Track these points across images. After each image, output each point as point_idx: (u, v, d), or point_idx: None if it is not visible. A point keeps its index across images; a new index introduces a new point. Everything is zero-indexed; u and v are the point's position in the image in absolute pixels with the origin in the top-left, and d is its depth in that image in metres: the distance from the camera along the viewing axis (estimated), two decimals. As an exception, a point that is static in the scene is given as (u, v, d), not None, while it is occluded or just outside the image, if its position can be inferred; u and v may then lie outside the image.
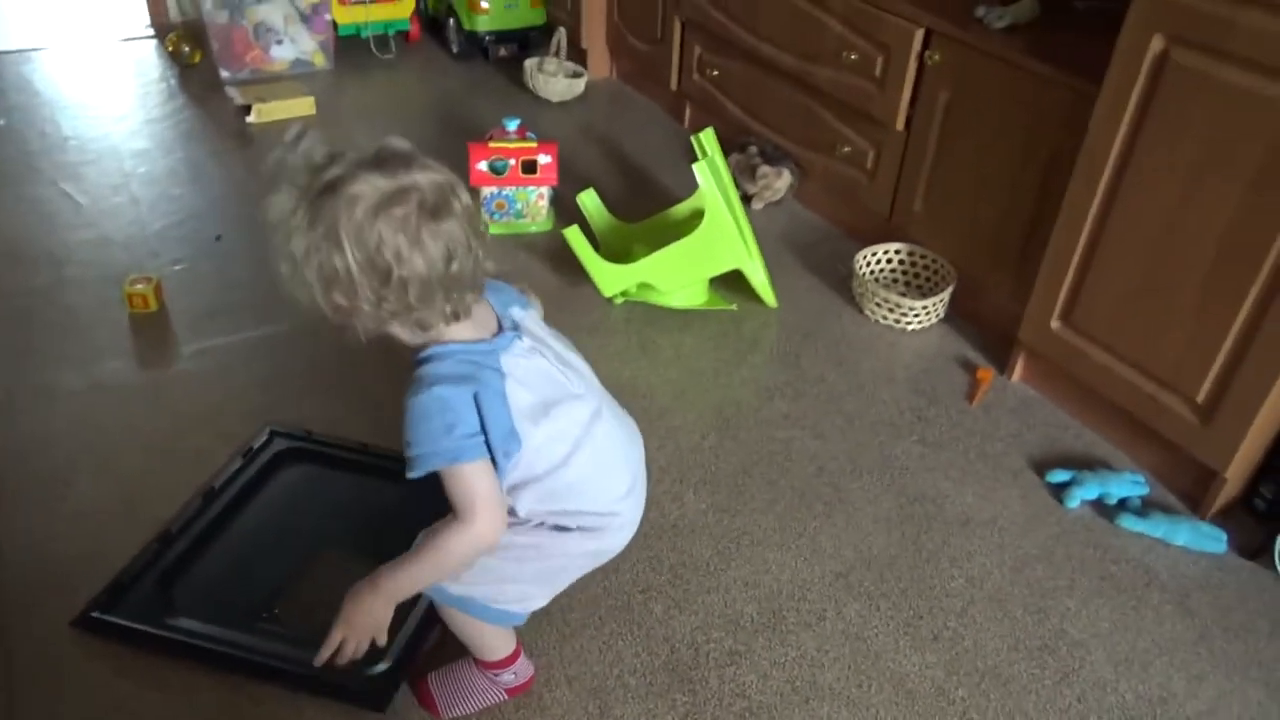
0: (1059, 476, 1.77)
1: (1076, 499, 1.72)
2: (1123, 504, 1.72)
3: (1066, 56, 1.86)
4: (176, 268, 2.29)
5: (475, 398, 1.05)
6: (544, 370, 1.13)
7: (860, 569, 1.60)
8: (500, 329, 1.12)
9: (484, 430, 1.05)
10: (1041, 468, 1.81)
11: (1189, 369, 1.65)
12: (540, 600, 1.27)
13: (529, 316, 1.18)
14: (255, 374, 1.96)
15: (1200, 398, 1.65)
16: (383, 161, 0.99)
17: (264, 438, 1.79)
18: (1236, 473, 1.67)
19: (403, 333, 1.08)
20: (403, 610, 1.18)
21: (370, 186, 0.96)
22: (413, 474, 1.06)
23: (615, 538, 1.25)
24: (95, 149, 2.81)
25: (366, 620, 1.11)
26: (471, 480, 1.05)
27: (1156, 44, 1.58)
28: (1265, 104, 1.45)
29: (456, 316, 1.06)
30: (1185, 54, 1.54)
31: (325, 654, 1.12)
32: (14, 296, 2.16)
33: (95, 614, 1.44)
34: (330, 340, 2.04)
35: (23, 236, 2.38)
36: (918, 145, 2.21)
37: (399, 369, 1.95)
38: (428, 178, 0.99)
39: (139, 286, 2.10)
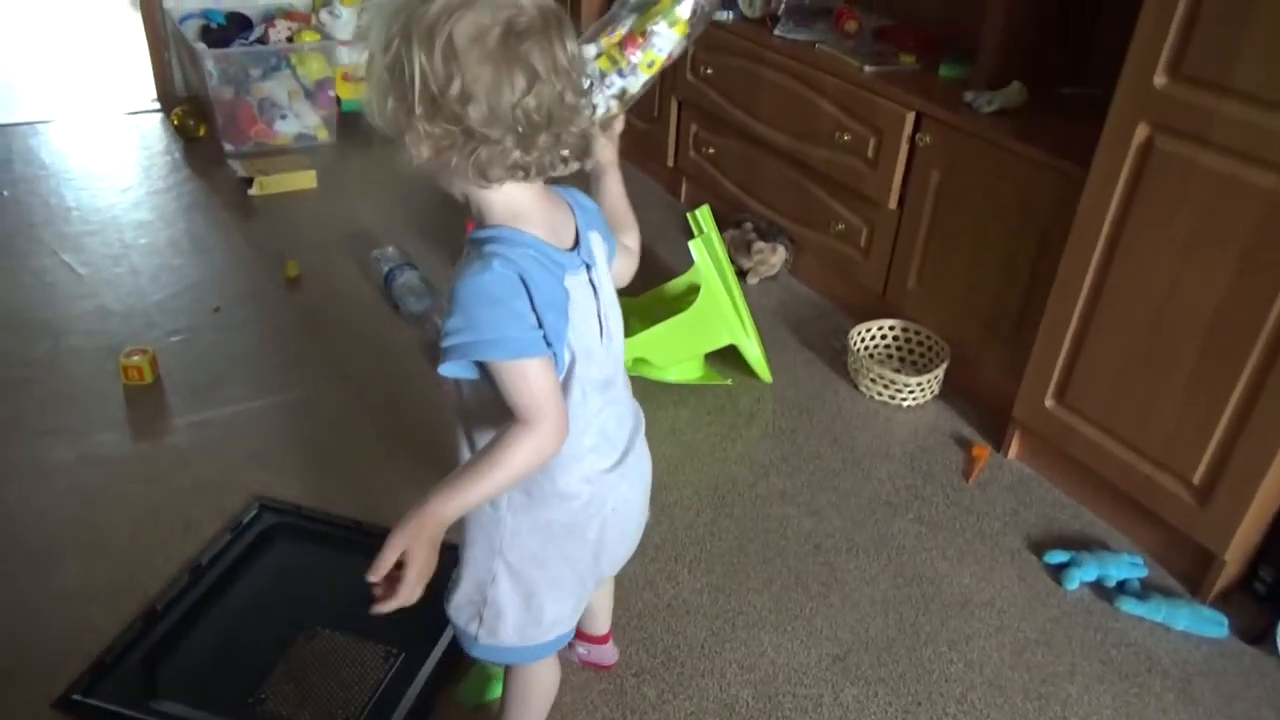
0: (1057, 557, 1.75)
1: (1075, 580, 1.70)
2: (1122, 586, 1.71)
3: (1054, 140, 1.90)
4: (174, 339, 2.29)
5: (547, 284, 0.92)
6: (588, 314, 1.01)
7: (858, 651, 1.57)
8: (576, 245, 1.00)
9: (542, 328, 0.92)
10: (1039, 548, 1.80)
11: (1184, 449, 1.66)
12: (562, 616, 1.14)
13: (601, 252, 1.05)
14: (249, 447, 1.96)
15: (1196, 478, 1.65)
16: None
17: (254, 512, 1.77)
18: (1236, 555, 1.65)
19: (462, 182, 0.93)
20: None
21: None
22: (454, 361, 0.91)
23: (598, 522, 1.10)
24: (98, 220, 2.84)
25: (414, 544, 0.94)
26: (540, 377, 0.91)
27: (1141, 132, 1.62)
28: (1248, 189, 1.48)
29: (524, 173, 0.91)
30: (1169, 141, 1.58)
31: (376, 572, 0.95)
32: (11, 367, 2.16)
33: (76, 696, 1.41)
34: (326, 414, 2.06)
35: (22, 307, 2.39)
36: (911, 223, 2.24)
37: (395, 445, 1.96)
38: (533, 2, 0.87)
39: (135, 359, 2.10)
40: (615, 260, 1.12)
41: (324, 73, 3.36)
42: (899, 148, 2.20)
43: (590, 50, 1.18)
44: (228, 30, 3.36)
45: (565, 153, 0.93)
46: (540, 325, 0.91)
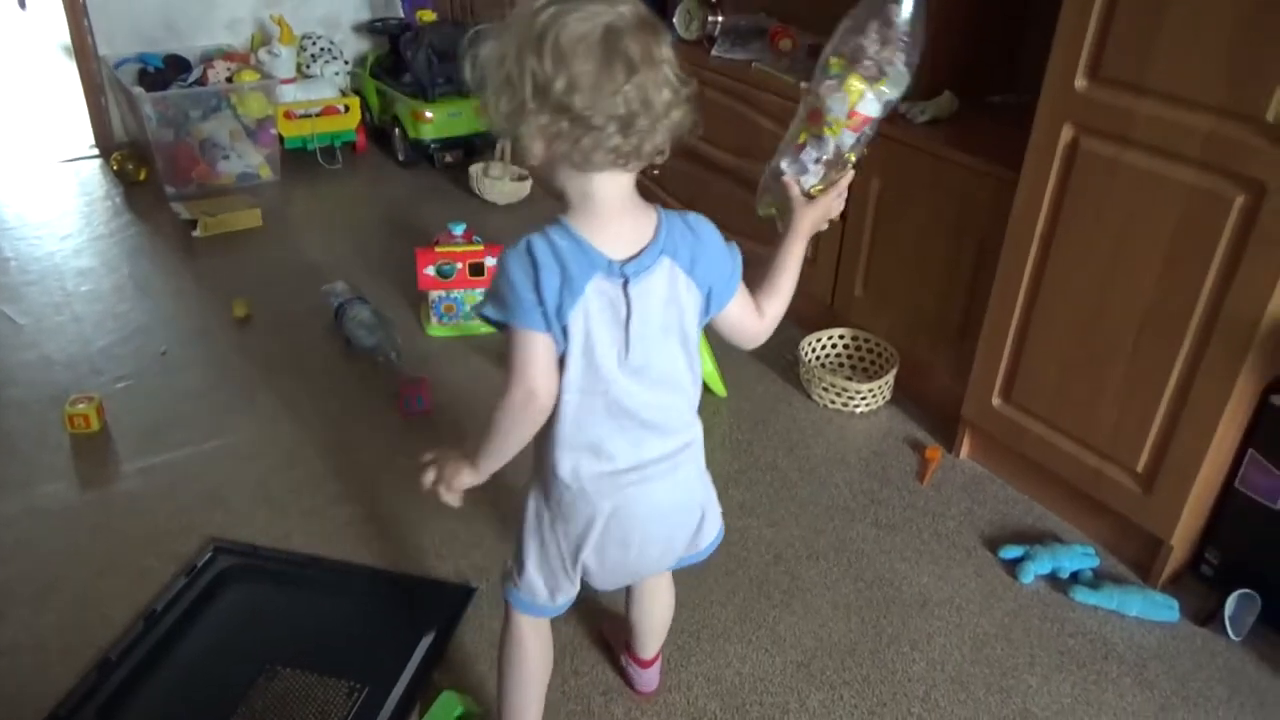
0: (1012, 552, 1.78)
1: (1030, 574, 1.73)
2: (1075, 577, 1.74)
3: (986, 146, 1.96)
4: (120, 385, 2.26)
5: (559, 274, 1.00)
6: (606, 325, 1.04)
7: (821, 657, 1.58)
8: (635, 257, 1.04)
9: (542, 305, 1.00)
10: (994, 544, 1.83)
11: (1126, 439, 1.70)
12: (535, 584, 1.20)
13: (668, 276, 1.06)
14: (201, 490, 1.93)
15: (1140, 467, 1.69)
16: None
17: (208, 554, 1.75)
18: (1182, 539, 1.70)
19: (565, 173, 1.00)
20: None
21: (565, 4, 0.94)
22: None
23: (587, 519, 1.13)
24: (37, 269, 2.80)
25: (448, 468, 1.14)
26: (520, 346, 1.02)
27: (1066, 134, 1.67)
28: (1169, 185, 1.54)
29: (624, 160, 0.98)
30: (1093, 142, 1.63)
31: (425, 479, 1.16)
32: (-50, 422, 2.11)
33: (29, 753, 1.37)
34: (279, 453, 2.03)
35: (-40, 360, 2.34)
36: (854, 233, 2.28)
37: (350, 482, 1.94)
38: (628, 8, 0.96)
39: (80, 406, 2.07)
40: (733, 313, 1.15)
41: (265, 111, 3.35)
42: (838, 160, 2.24)
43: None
44: (165, 73, 3.33)
45: (661, 140, 1.00)
46: (541, 304, 1.00)
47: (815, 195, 1.21)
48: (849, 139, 1.15)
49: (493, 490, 1.89)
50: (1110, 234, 1.64)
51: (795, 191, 1.21)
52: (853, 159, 1.17)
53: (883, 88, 1.10)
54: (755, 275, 1.19)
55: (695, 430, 1.19)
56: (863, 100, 1.10)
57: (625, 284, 1.03)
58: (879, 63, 1.09)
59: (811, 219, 1.22)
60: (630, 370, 1.07)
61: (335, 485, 1.95)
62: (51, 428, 2.09)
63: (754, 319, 1.19)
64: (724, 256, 1.12)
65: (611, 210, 1.04)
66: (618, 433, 1.10)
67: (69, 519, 1.85)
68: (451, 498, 1.16)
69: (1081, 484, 1.80)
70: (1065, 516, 1.90)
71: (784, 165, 1.18)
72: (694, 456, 1.19)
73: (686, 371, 1.13)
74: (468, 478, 1.14)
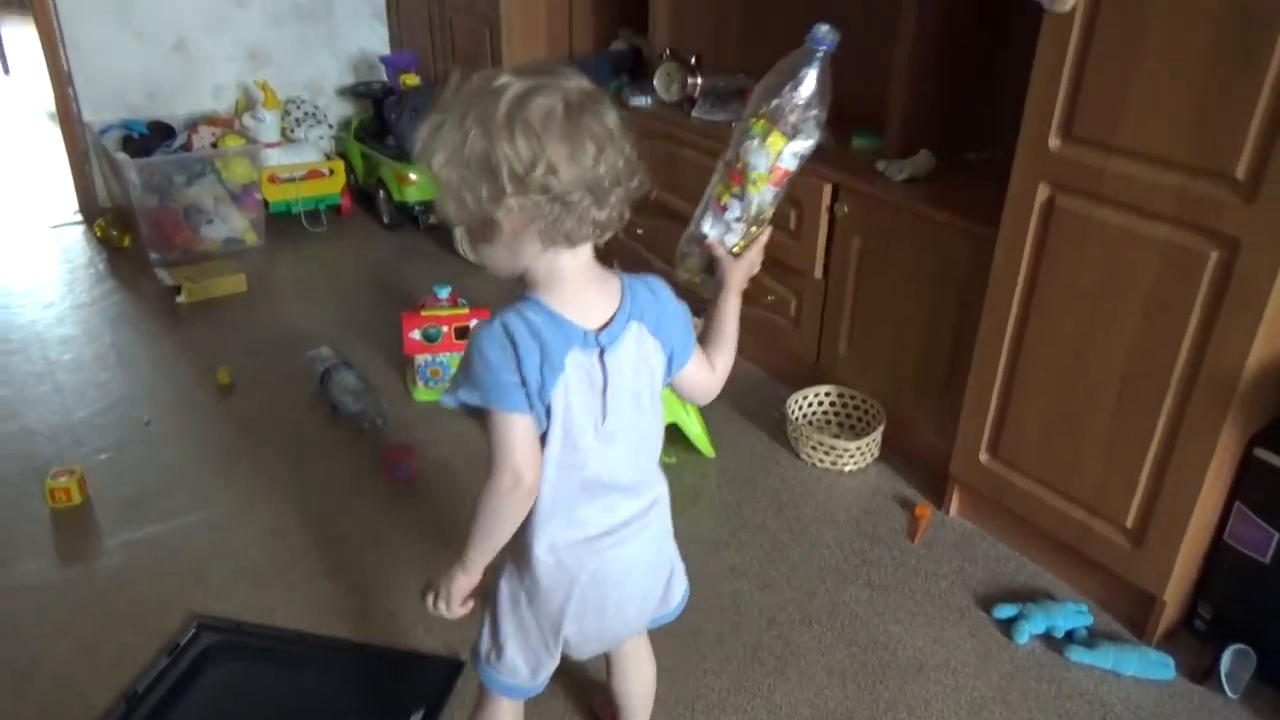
0: (1005, 612, 1.77)
1: (1025, 634, 1.72)
2: (1070, 635, 1.73)
3: (964, 204, 1.98)
4: (102, 456, 2.23)
5: (539, 352, 1.00)
6: (583, 394, 1.04)
7: (818, 725, 1.56)
8: (606, 325, 1.05)
9: (525, 386, 1.00)
10: (987, 603, 1.82)
11: (1114, 493, 1.70)
12: (516, 665, 1.19)
13: (636, 342, 1.07)
14: (184, 564, 1.90)
15: (1129, 522, 1.69)
16: (530, 70, 0.97)
17: (191, 632, 1.71)
18: (1174, 594, 1.69)
19: (533, 254, 1.00)
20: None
21: (519, 82, 0.95)
22: (446, 399, 1.05)
23: (564, 592, 1.12)
24: (19, 338, 2.78)
25: (441, 580, 1.12)
26: (504, 428, 1.01)
27: (1043, 192, 1.70)
28: (1145, 241, 1.56)
29: (600, 230, 1.00)
30: (1068, 199, 1.66)
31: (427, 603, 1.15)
32: (-73, 499, 2.08)
33: None
34: (263, 524, 2.01)
35: (-61, 434, 2.31)
36: (837, 291, 2.30)
37: (335, 553, 1.91)
38: (574, 83, 0.97)
39: (61, 480, 2.04)
40: (689, 371, 1.16)
41: (250, 176, 3.37)
42: (819, 218, 2.27)
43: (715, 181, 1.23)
44: (150, 139, 3.35)
45: (626, 206, 1.03)
46: (524, 384, 1.00)
47: (738, 253, 1.24)
48: (770, 194, 1.21)
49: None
50: (1089, 290, 1.66)
51: (720, 252, 1.23)
52: (769, 215, 1.23)
53: (799, 143, 1.18)
54: (702, 334, 1.22)
55: (662, 486, 1.20)
56: (783, 156, 1.17)
57: (601, 353, 1.04)
58: (796, 122, 1.17)
59: (741, 275, 1.24)
60: (604, 437, 1.08)
61: (320, 558, 1.92)
62: (32, 501, 2.06)
63: (708, 374, 1.20)
64: (682, 317, 1.14)
65: (579, 281, 1.04)
66: (592, 500, 1.11)
67: (49, 597, 1.81)
68: (458, 611, 1.14)
69: (1071, 540, 1.80)
70: (1057, 573, 1.90)
71: (706, 228, 1.23)
72: (662, 512, 1.20)
73: (655, 432, 1.15)
74: (463, 582, 1.12)
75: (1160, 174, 1.52)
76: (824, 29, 1.18)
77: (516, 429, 1.01)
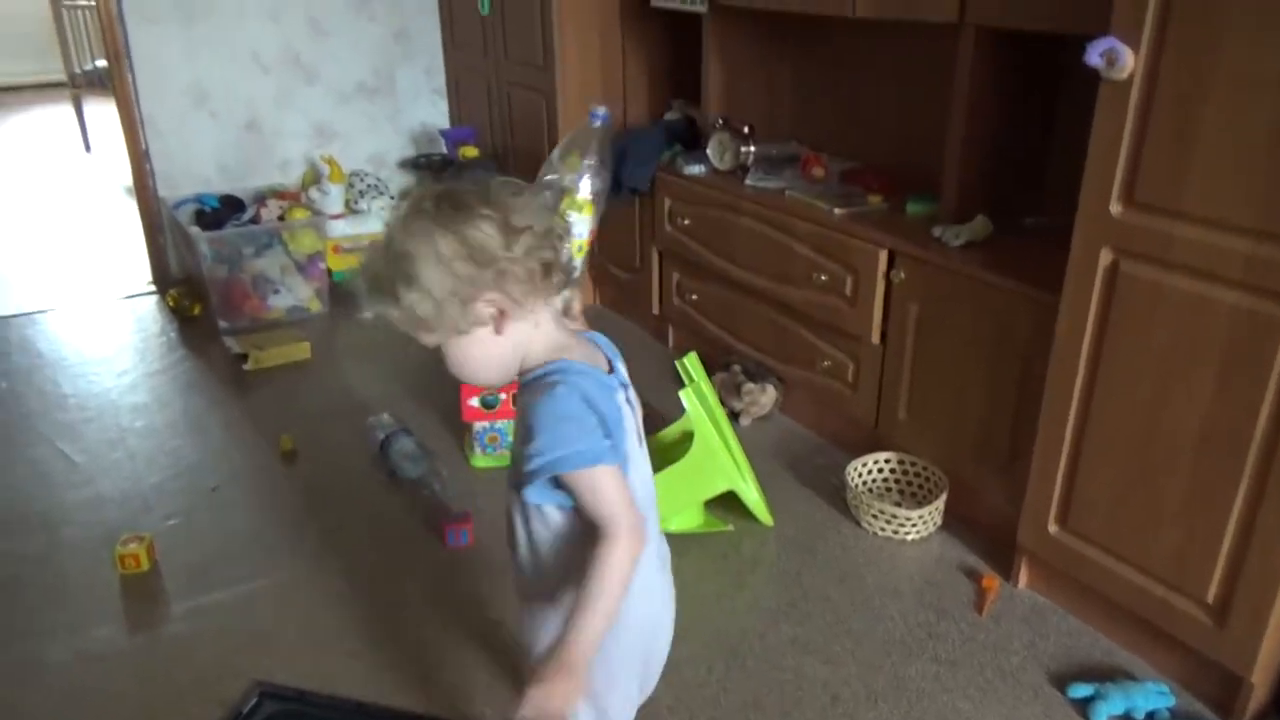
0: (1081, 691, 1.70)
1: (1103, 715, 1.65)
2: (1151, 717, 1.65)
3: (1023, 269, 1.97)
4: (171, 522, 2.28)
5: (605, 402, 1.06)
6: (630, 429, 1.13)
7: (887, 809, 1.51)
8: (611, 370, 1.14)
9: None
10: (1062, 681, 1.75)
11: (1193, 568, 1.64)
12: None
13: (625, 372, 1.18)
14: (249, 630, 1.92)
15: (1210, 598, 1.62)
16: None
17: (254, 700, 1.72)
18: (1263, 675, 1.61)
19: (527, 328, 1.07)
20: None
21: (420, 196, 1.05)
22: (538, 479, 1.03)
23: (653, 623, 1.21)
24: (94, 405, 2.87)
25: (558, 704, 0.96)
26: (613, 485, 1.03)
27: (1105, 257, 1.67)
28: (1215, 307, 1.53)
29: (566, 276, 1.08)
30: (1133, 265, 1.64)
31: None
32: (6, 564, 2.13)
33: None
34: (325, 591, 2.03)
35: (18, 499, 2.38)
36: (895, 356, 2.28)
37: (396, 619, 1.92)
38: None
39: (131, 546, 2.09)
40: None
41: (315, 247, 3.47)
42: (875, 284, 2.26)
43: None
44: (221, 213, 3.48)
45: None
46: (609, 437, 1.03)
47: None
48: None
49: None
50: (1159, 356, 1.62)
51: None
52: None
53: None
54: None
55: None
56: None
57: (626, 390, 1.14)
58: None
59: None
60: (644, 472, 1.17)
61: (381, 624, 1.93)
62: (103, 567, 2.11)
63: None
64: (610, 343, 1.22)
65: (572, 342, 1.12)
66: (650, 516, 1.17)
67: (117, 665, 1.84)
68: None
69: (1149, 615, 1.73)
70: (1135, 650, 1.82)
71: None
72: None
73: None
74: (574, 691, 0.97)
75: (1228, 239, 1.49)
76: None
77: (620, 480, 1.04)
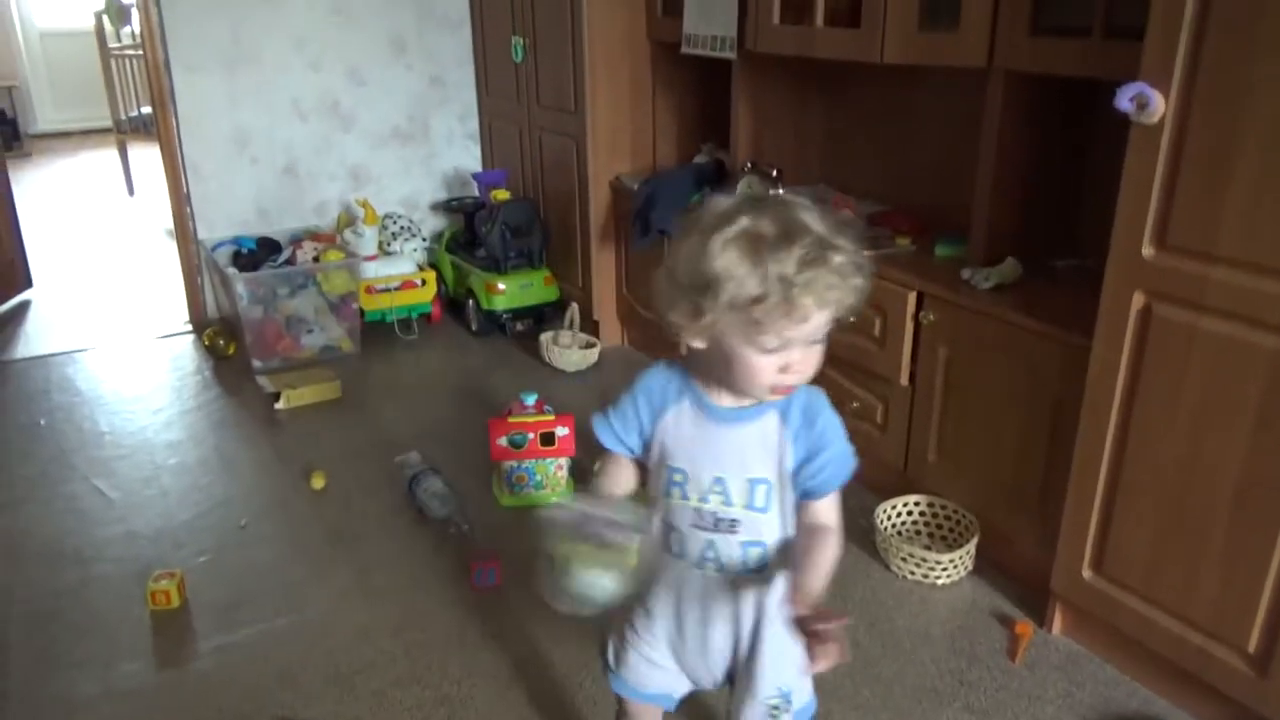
0: (1118, 741, 1.66)
1: (1141, 767, 1.61)
2: (1192, 770, 1.61)
3: (1054, 312, 1.95)
4: (201, 559, 2.30)
5: None
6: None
7: None
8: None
9: None
10: (1098, 731, 1.71)
11: (1233, 616, 1.60)
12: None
13: None
14: (275, 668, 1.92)
15: (1251, 647, 1.58)
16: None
17: (280, 740, 1.72)
18: (1307, 729, 1.57)
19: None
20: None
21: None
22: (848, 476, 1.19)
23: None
24: (130, 443, 2.91)
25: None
26: None
27: (1138, 300, 1.66)
28: (1253, 350, 1.51)
29: None
30: (1166, 309, 1.62)
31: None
32: (40, 599, 2.16)
33: None
34: (351, 628, 2.03)
35: (54, 535, 2.41)
36: (924, 398, 2.27)
37: (419, 660, 1.91)
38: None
39: (162, 583, 2.10)
40: None
41: (348, 287, 3.53)
42: (904, 326, 2.26)
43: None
44: (257, 254, 3.55)
45: None
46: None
47: None
48: None
49: (570, 674, 1.84)
50: (1195, 400, 1.60)
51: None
52: None
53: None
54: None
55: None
56: None
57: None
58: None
59: None
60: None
61: (407, 664, 1.93)
62: (134, 604, 2.12)
63: None
64: None
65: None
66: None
67: (145, 701, 1.85)
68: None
69: (1187, 665, 1.69)
70: (1174, 700, 1.78)
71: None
72: None
73: None
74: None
75: (1264, 281, 1.48)
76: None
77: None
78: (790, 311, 1.01)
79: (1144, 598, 1.74)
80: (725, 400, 1.16)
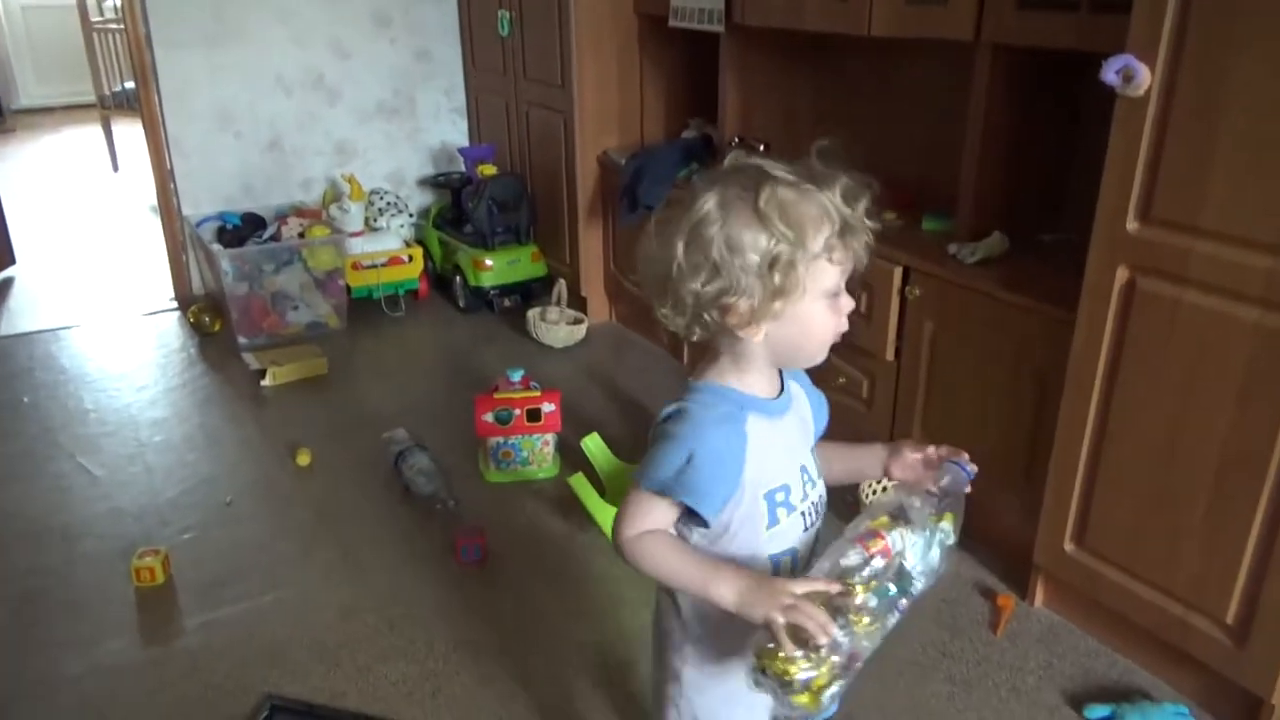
0: (1098, 712, 1.68)
1: (1120, 737, 1.63)
2: (1170, 740, 1.63)
3: (1039, 286, 1.95)
4: (185, 536, 2.29)
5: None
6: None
7: (899, 831, 1.49)
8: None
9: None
10: (1078, 702, 1.72)
11: (1212, 587, 1.61)
12: None
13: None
14: (260, 644, 1.92)
15: (1229, 618, 1.60)
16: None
17: (265, 713, 1.73)
18: (1284, 698, 1.58)
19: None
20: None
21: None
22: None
23: None
24: (114, 420, 2.90)
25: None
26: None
27: (1122, 275, 1.66)
28: (1233, 324, 1.51)
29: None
30: (1150, 283, 1.62)
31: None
32: (25, 577, 2.15)
33: None
34: (337, 605, 2.03)
35: (39, 514, 2.40)
36: (910, 373, 2.27)
37: (405, 634, 1.92)
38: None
39: (147, 560, 2.10)
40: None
41: (334, 263, 3.50)
42: (890, 301, 2.25)
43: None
44: (242, 230, 3.52)
45: None
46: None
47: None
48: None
49: (555, 649, 1.85)
50: (1177, 373, 1.61)
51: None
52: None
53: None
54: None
55: None
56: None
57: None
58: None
59: None
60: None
61: (393, 639, 1.93)
62: (119, 581, 2.12)
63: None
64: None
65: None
66: None
67: (130, 678, 1.85)
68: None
69: (1167, 636, 1.71)
70: (1153, 670, 1.80)
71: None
72: None
73: None
74: None
75: (1247, 255, 1.48)
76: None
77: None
78: (855, 235, 0.99)
79: (1125, 570, 1.76)
80: (765, 390, 1.09)
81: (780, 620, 0.91)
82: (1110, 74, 1.57)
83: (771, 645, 0.92)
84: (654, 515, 1.04)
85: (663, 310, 1.03)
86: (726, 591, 0.98)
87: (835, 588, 0.96)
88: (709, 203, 0.97)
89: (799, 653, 0.91)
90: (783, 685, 0.91)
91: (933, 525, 1.03)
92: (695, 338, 1.04)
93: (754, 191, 0.96)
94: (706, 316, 1.00)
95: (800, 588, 0.95)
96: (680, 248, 0.98)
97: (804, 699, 0.92)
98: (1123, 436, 1.71)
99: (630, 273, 3.34)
